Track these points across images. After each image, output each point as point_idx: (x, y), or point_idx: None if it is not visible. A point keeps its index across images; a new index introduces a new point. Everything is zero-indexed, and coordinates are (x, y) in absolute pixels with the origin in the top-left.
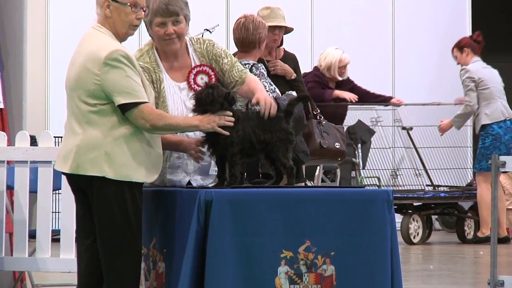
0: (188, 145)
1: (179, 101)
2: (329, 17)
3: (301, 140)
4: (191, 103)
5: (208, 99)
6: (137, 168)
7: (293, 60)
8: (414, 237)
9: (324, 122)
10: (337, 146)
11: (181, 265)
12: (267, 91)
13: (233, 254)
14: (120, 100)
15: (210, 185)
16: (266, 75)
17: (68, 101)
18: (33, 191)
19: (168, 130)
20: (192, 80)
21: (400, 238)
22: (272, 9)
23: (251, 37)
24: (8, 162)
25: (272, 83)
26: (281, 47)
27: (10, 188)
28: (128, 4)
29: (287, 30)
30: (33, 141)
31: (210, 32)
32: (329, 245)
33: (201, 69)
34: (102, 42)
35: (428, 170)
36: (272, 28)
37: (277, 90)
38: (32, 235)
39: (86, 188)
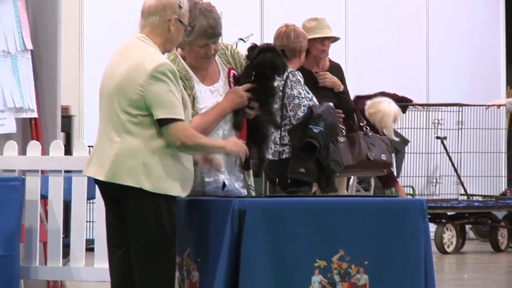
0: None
1: (211, 103)
2: (363, 25)
3: (334, 150)
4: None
5: (268, 63)
6: (174, 182)
7: (339, 70)
8: (448, 247)
9: (370, 134)
10: (384, 158)
11: (215, 274)
12: (302, 98)
13: (267, 263)
14: (159, 114)
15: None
16: (302, 82)
17: (105, 108)
18: (67, 200)
19: (196, 150)
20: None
21: (434, 248)
22: (319, 20)
23: (292, 45)
24: (42, 172)
25: (309, 91)
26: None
27: (44, 197)
28: (188, 28)
29: (334, 40)
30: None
31: (244, 41)
32: (363, 254)
33: (235, 73)
34: (150, 54)
35: (462, 178)
36: (321, 40)
37: (314, 98)
38: (66, 244)
39: (120, 197)
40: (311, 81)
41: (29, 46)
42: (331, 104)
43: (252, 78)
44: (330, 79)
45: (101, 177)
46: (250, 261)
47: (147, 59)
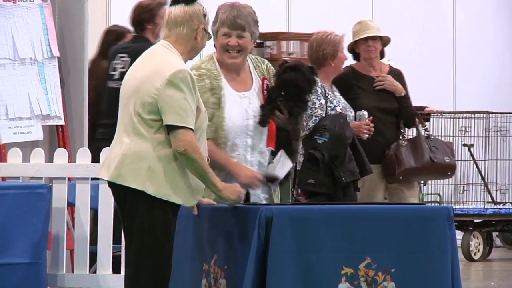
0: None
1: (240, 107)
2: (389, 33)
3: (350, 159)
4: (252, 110)
5: (292, 83)
6: (178, 190)
7: (398, 76)
8: (474, 254)
9: (432, 137)
10: (447, 160)
11: (242, 282)
12: (315, 108)
13: (294, 271)
14: (169, 120)
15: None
16: (319, 92)
17: (120, 111)
18: (94, 208)
19: (193, 166)
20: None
21: (460, 255)
22: (362, 22)
23: (314, 55)
24: (69, 179)
25: (332, 100)
26: (387, 62)
27: (71, 204)
28: (210, 35)
29: (384, 41)
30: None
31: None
32: (390, 262)
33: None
34: (170, 60)
35: (489, 186)
36: (364, 40)
37: (337, 108)
38: (93, 252)
39: (119, 197)
40: (368, 85)
41: (56, 53)
42: (365, 113)
43: (282, 93)
44: (390, 82)
45: (106, 177)
46: (277, 268)
47: (166, 65)
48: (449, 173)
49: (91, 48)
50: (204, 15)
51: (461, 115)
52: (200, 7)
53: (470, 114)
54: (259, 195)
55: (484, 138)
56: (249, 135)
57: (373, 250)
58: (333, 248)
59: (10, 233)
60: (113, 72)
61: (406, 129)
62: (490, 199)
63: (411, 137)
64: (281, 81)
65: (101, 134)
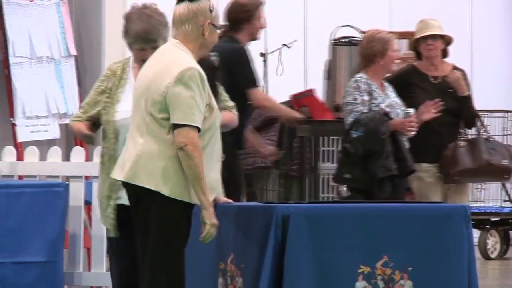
0: None
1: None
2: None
3: (388, 155)
4: None
5: None
6: (193, 190)
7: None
8: (491, 253)
9: (491, 139)
10: (505, 163)
11: (259, 280)
12: (356, 104)
13: (310, 269)
14: (176, 119)
15: None
16: (362, 88)
17: (133, 111)
18: None
19: (190, 165)
20: None
21: (477, 253)
22: (424, 21)
23: (364, 52)
24: (86, 177)
25: (377, 97)
26: (450, 62)
27: (88, 203)
28: (221, 29)
29: (447, 40)
30: None
31: (288, 47)
32: (407, 260)
33: None
34: (180, 58)
35: (506, 184)
36: (424, 39)
37: (381, 105)
38: None
39: (133, 198)
40: (427, 84)
41: (73, 51)
42: (412, 111)
43: None
44: (457, 78)
45: (120, 177)
46: (294, 266)
47: (176, 63)
48: (506, 176)
49: (108, 46)
50: (211, 10)
51: (479, 114)
52: (206, 2)
53: (487, 113)
54: None
55: (502, 136)
56: None
57: (390, 248)
58: (350, 246)
59: (27, 232)
60: None
61: (467, 129)
62: (507, 198)
63: (471, 137)
64: None
65: None
